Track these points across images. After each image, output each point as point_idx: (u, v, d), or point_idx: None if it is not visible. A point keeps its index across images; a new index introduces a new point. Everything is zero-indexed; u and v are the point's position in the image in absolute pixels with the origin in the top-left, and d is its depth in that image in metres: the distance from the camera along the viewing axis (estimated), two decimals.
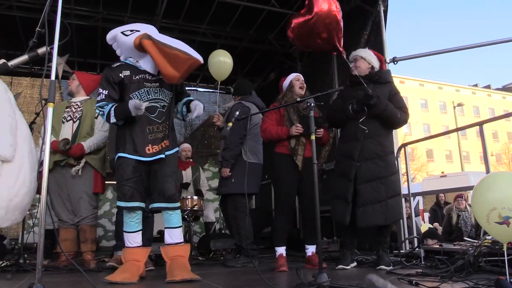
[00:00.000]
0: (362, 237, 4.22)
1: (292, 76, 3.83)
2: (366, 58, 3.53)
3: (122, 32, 2.86)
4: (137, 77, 2.91)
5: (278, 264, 3.35)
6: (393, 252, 3.93)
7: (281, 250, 3.46)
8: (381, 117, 3.30)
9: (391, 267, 3.16)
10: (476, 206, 2.53)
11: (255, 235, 6.11)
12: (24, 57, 2.38)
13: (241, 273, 3.27)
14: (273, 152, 3.68)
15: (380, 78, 3.46)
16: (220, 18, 6.16)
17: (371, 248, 4.31)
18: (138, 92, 2.88)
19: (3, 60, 2.48)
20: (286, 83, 3.82)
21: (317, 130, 3.40)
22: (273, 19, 6.19)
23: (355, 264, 3.43)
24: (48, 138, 1.93)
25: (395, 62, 4.66)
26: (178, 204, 2.94)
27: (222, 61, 4.92)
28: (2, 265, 3.48)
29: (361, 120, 3.27)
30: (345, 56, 3.61)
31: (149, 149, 2.84)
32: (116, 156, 2.91)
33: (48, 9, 2.19)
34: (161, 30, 6.17)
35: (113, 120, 2.82)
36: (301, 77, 3.83)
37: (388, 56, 4.66)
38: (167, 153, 2.89)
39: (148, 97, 2.89)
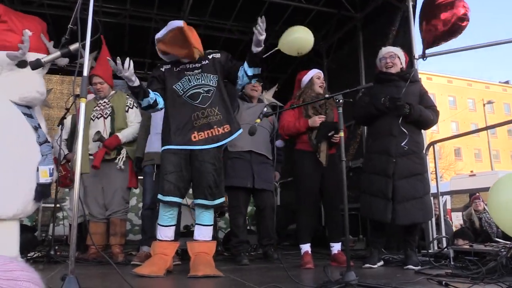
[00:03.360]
0: (389, 236, 4.16)
1: (313, 72, 3.75)
2: (400, 57, 3.49)
3: None
4: (177, 68, 3.01)
5: (304, 261, 3.33)
6: (421, 251, 3.86)
7: (305, 248, 3.45)
8: (416, 123, 3.28)
9: (419, 267, 3.09)
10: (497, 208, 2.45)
11: (280, 232, 6.09)
12: (57, 54, 2.42)
13: (266, 270, 3.27)
14: (293, 149, 3.67)
15: (412, 77, 3.40)
16: (246, 14, 6.15)
17: (399, 247, 4.24)
18: (181, 82, 2.97)
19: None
20: (306, 78, 3.75)
21: (335, 136, 3.33)
22: (299, 15, 6.13)
23: (382, 263, 3.38)
24: (81, 133, 1.96)
25: (424, 58, 4.56)
26: (220, 201, 2.93)
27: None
28: (34, 256, 3.58)
29: (400, 120, 3.22)
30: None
31: (195, 137, 2.86)
32: (162, 149, 2.97)
33: (80, 6, 2.23)
34: None
35: (139, 103, 2.90)
36: (322, 75, 3.77)
37: (417, 52, 4.56)
38: (219, 143, 2.90)
39: (190, 84, 2.95)
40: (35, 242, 4.43)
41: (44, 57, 2.44)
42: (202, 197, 2.87)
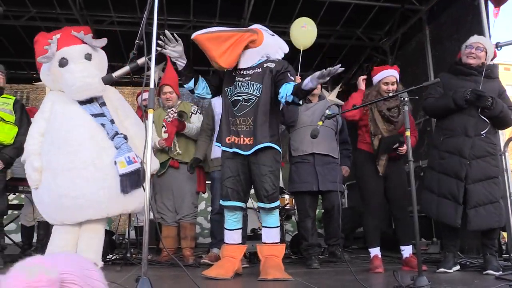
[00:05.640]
0: (467, 239, 3.92)
1: (383, 75, 3.50)
2: (488, 52, 3.23)
3: None
4: (234, 72, 3.03)
5: (373, 265, 3.24)
6: (502, 256, 3.59)
7: (375, 252, 3.35)
8: (495, 119, 3.07)
9: (500, 272, 2.88)
10: None
11: (348, 235, 5.95)
12: (126, 68, 2.58)
13: (335, 273, 3.23)
14: (355, 149, 3.59)
15: (491, 73, 3.18)
16: (306, 15, 6.12)
17: (478, 251, 3.99)
18: (231, 86, 3.01)
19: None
20: (376, 78, 3.55)
21: (400, 149, 3.24)
22: (360, 12, 6.01)
23: (458, 267, 3.19)
24: (149, 142, 2.07)
25: (499, 48, 4.24)
26: (276, 204, 2.93)
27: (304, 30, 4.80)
28: (113, 258, 3.82)
29: (479, 110, 3.04)
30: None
31: (229, 139, 2.94)
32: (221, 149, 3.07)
33: (145, 22, 2.35)
34: None
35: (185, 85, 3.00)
36: (392, 79, 3.46)
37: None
38: (255, 148, 2.85)
39: (235, 90, 2.97)
40: (113, 245, 4.71)
41: (115, 73, 2.60)
42: (260, 201, 2.92)
